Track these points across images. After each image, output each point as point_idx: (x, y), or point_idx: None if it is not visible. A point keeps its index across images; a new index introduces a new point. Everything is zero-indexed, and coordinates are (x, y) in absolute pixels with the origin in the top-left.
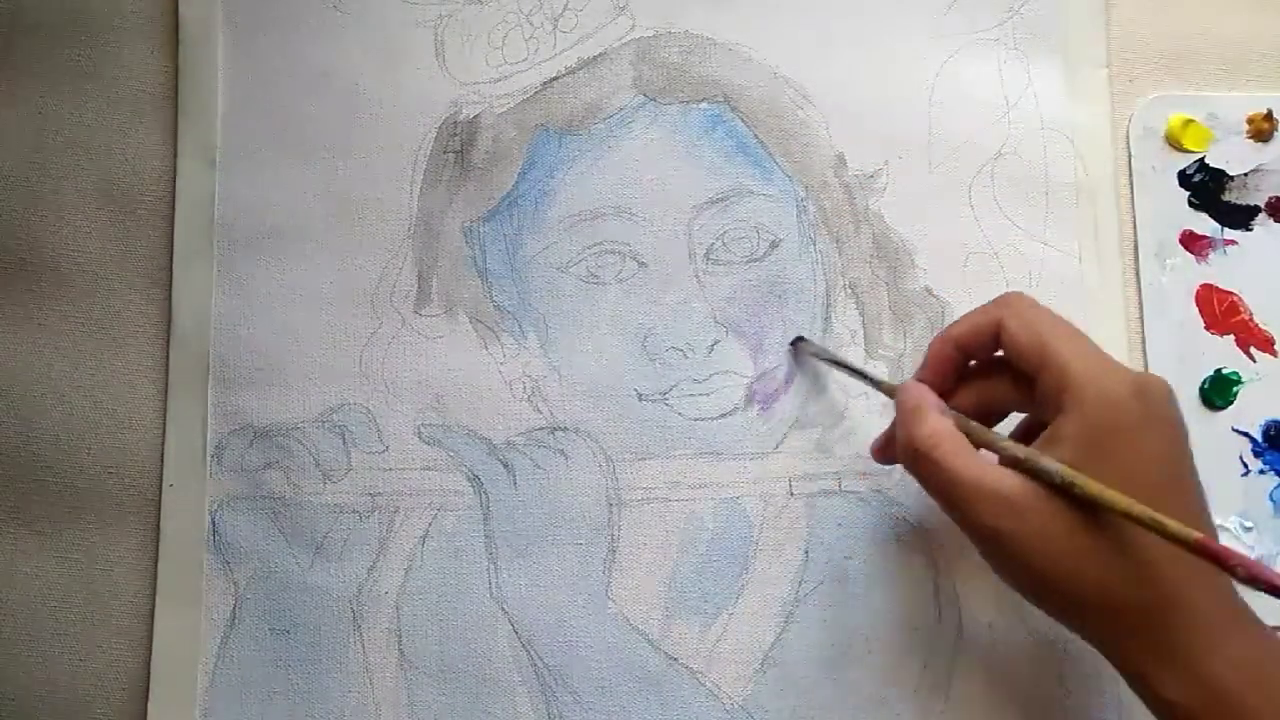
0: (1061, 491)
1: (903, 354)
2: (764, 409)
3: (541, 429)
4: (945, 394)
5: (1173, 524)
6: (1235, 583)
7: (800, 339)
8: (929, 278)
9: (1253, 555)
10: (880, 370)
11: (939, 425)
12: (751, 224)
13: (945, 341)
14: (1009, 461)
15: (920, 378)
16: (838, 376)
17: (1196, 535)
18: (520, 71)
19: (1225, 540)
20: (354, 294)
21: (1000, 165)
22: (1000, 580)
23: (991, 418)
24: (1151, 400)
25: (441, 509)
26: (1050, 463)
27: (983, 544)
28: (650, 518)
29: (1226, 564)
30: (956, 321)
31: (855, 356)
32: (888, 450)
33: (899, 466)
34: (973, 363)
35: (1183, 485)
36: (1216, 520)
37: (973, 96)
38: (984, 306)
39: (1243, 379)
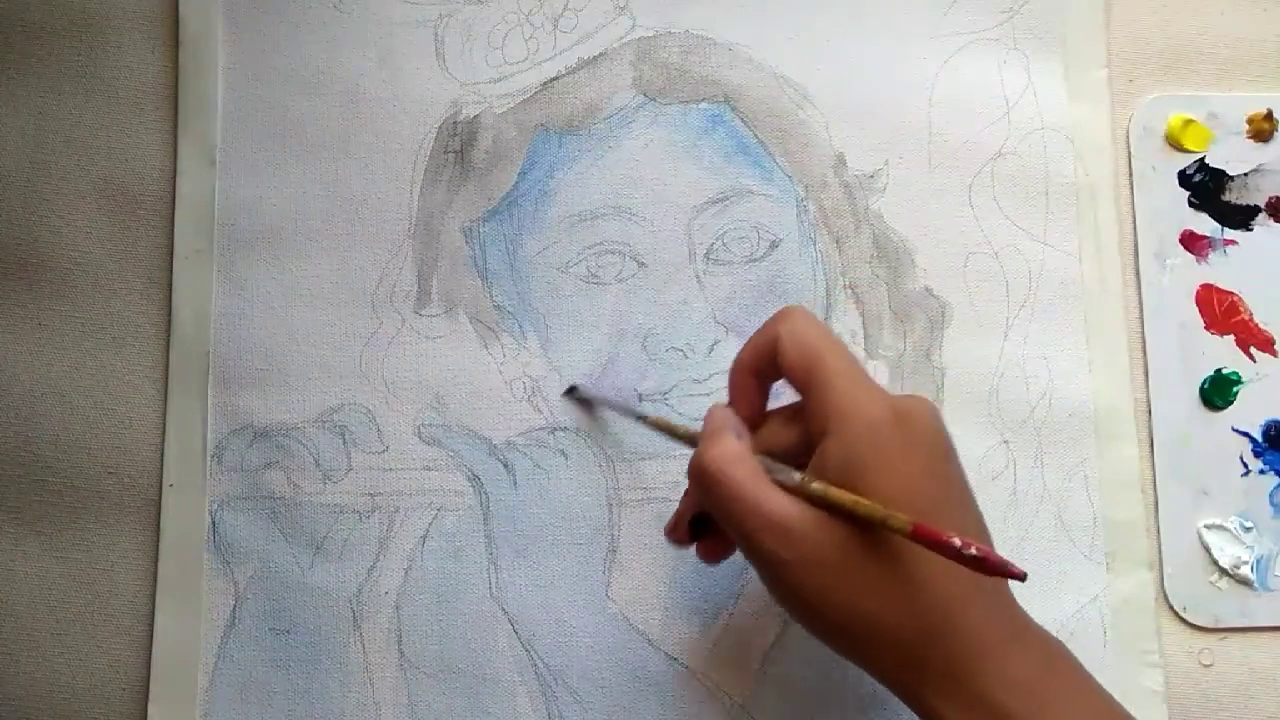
0: (839, 515)
1: (903, 354)
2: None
3: (541, 429)
4: (755, 424)
5: (897, 516)
6: (1013, 596)
7: (572, 388)
8: (929, 278)
9: (1252, 556)
10: (881, 371)
11: (730, 446)
12: (751, 224)
13: (737, 368)
14: (789, 488)
15: (730, 406)
16: None
17: (911, 522)
18: (520, 71)
19: (1226, 541)
20: (354, 294)
21: (1000, 165)
22: (810, 631)
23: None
24: (911, 424)
25: (441, 509)
26: (802, 477)
27: (761, 569)
28: (650, 518)
29: (949, 547)
30: (746, 342)
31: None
32: (677, 530)
33: None
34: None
35: (947, 503)
36: (1217, 520)
37: (973, 96)
38: (765, 323)
39: (1243, 379)
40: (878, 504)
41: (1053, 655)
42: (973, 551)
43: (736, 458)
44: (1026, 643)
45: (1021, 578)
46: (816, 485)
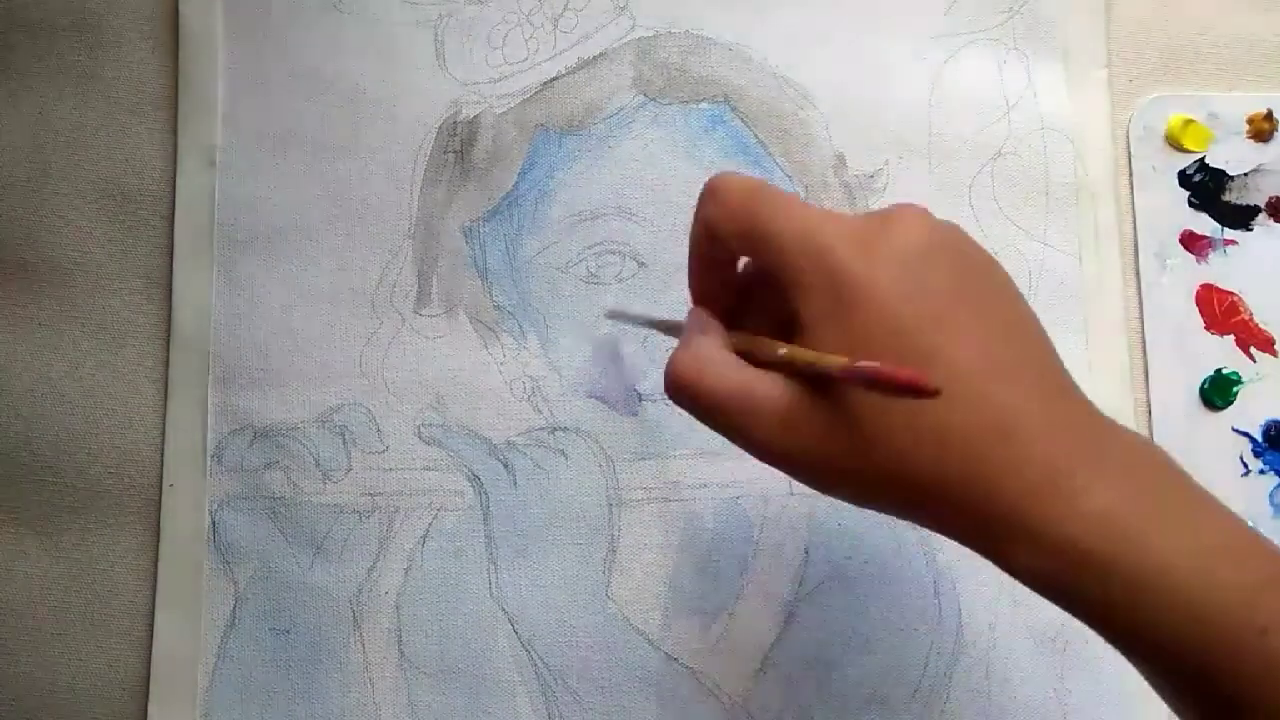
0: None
1: None
2: None
3: (541, 429)
4: (730, 311)
5: (823, 358)
6: (1085, 402)
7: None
8: None
9: None
10: None
11: (700, 346)
12: None
13: (691, 266)
14: (770, 364)
15: (695, 301)
16: None
17: (840, 362)
18: (520, 71)
19: None
20: (354, 294)
21: (1000, 165)
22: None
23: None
24: (879, 238)
25: (441, 509)
26: (780, 350)
27: (776, 465)
28: (650, 518)
29: (853, 376)
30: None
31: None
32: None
33: None
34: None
35: (939, 319)
36: None
37: (973, 96)
38: (696, 207)
39: (1243, 379)
40: (825, 354)
41: (1139, 467)
42: (864, 372)
43: (710, 357)
44: (1102, 461)
45: (930, 393)
46: (781, 350)
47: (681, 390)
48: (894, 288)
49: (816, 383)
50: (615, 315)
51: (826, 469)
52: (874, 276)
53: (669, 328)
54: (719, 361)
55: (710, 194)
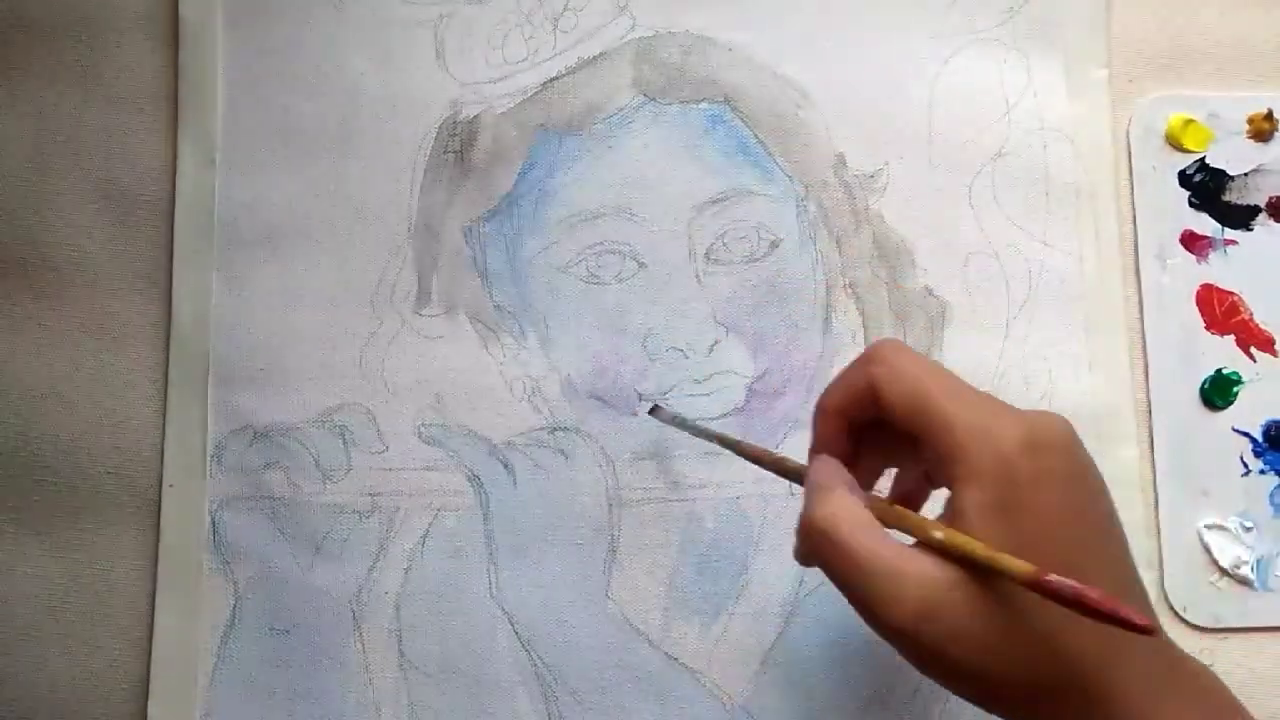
0: (979, 571)
1: None
2: (764, 409)
3: (541, 429)
4: (848, 466)
5: (1014, 564)
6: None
7: (656, 407)
8: (929, 278)
9: (1252, 556)
10: None
11: (843, 503)
12: (752, 224)
13: (825, 414)
14: (923, 543)
15: (815, 449)
16: None
17: (1034, 570)
18: (520, 71)
19: (1226, 541)
20: (354, 294)
21: (1000, 165)
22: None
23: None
24: (1045, 450)
25: (441, 509)
26: (927, 526)
27: (901, 647)
28: (650, 518)
29: (1065, 596)
30: (831, 385)
31: (856, 357)
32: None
33: None
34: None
35: (1092, 542)
36: (1217, 520)
37: (973, 96)
38: (854, 364)
39: (1243, 379)
40: (1001, 552)
41: (1216, 697)
42: (1097, 603)
43: (850, 513)
44: (1182, 694)
45: (1145, 630)
46: (937, 534)
47: (822, 544)
48: (1056, 502)
49: (968, 570)
50: (676, 422)
51: (967, 661)
52: (1040, 487)
53: (777, 469)
54: (866, 525)
55: (881, 358)
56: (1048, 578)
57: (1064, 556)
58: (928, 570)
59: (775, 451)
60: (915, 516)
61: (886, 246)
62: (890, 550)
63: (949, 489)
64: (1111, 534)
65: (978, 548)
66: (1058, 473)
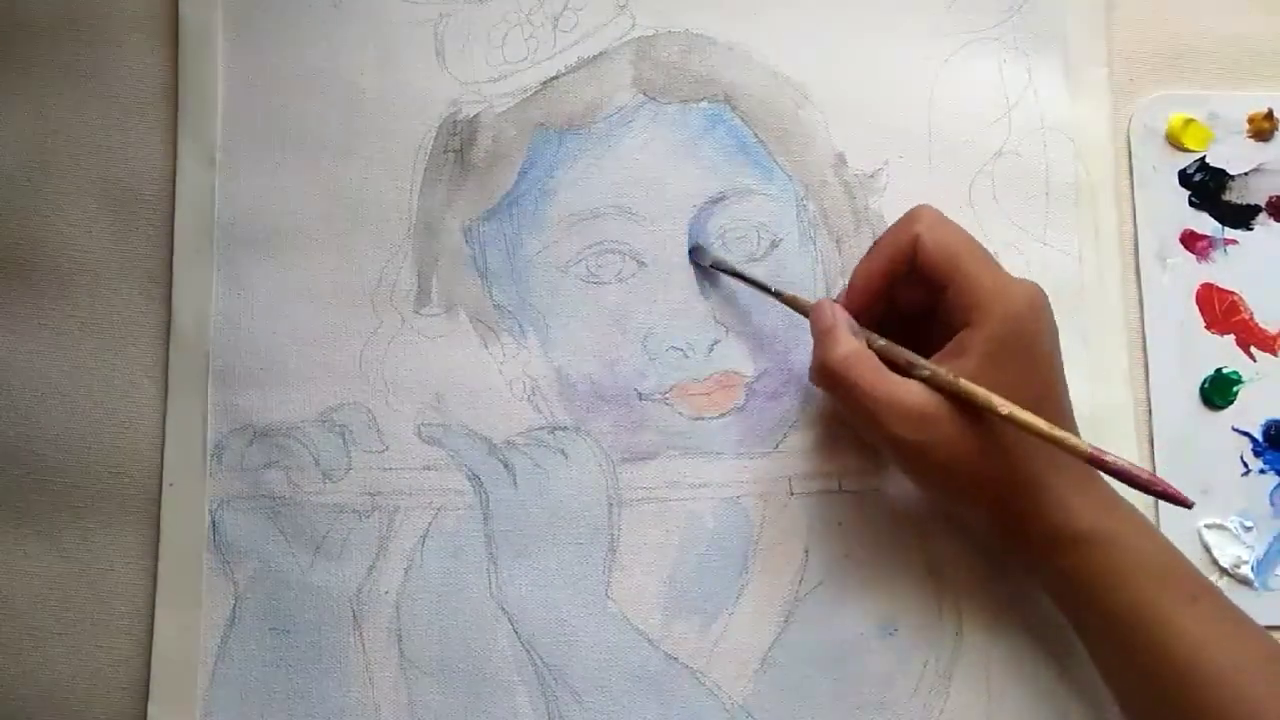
0: (961, 401)
1: None
2: (764, 409)
3: (541, 428)
4: (875, 316)
5: (1077, 442)
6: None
7: (696, 247)
8: None
9: (1252, 556)
10: None
11: (851, 346)
12: (751, 223)
13: (870, 275)
14: (917, 376)
15: (842, 302)
16: None
17: (1091, 448)
18: (520, 71)
19: (1226, 541)
20: (354, 293)
21: (1000, 165)
22: (920, 488)
23: (897, 322)
24: (1041, 312)
25: (441, 509)
26: (937, 369)
27: (897, 452)
28: (650, 518)
29: (1127, 475)
30: (875, 249)
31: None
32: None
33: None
34: None
35: (1060, 385)
36: (1217, 520)
37: (973, 96)
38: (896, 226)
39: (1243, 378)
40: (1046, 422)
41: (1116, 502)
42: (1157, 487)
43: (859, 356)
44: (1093, 499)
45: (1188, 505)
46: (964, 383)
47: (838, 381)
48: (1042, 352)
49: (952, 398)
50: (718, 265)
51: (945, 459)
52: (1033, 339)
53: (783, 298)
54: (870, 363)
55: (923, 218)
56: (1105, 455)
57: (1039, 394)
58: (921, 395)
59: (790, 293)
60: (908, 353)
61: None
62: (891, 381)
63: (961, 330)
64: (1063, 381)
65: (1036, 423)
66: (1045, 330)
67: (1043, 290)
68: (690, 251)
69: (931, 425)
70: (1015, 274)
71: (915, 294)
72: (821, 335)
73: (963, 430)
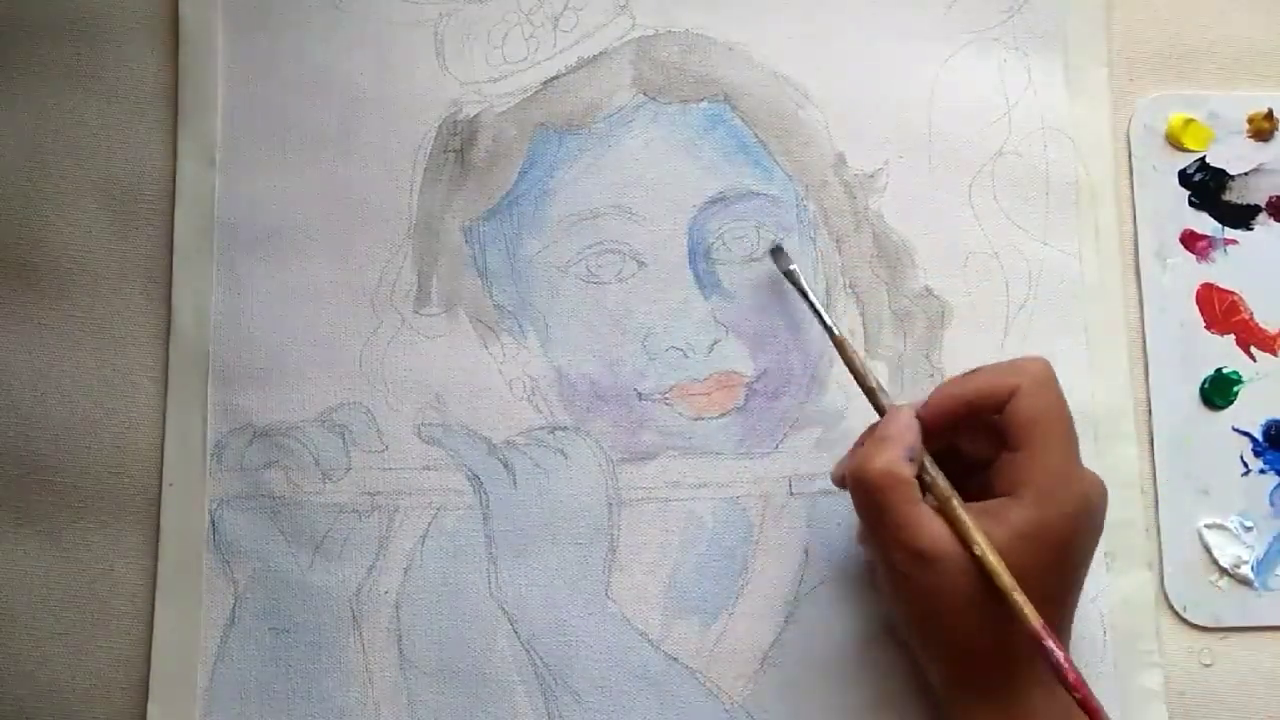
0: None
1: (902, 354)
2: (764, 409)
3: (541, 428)
4: (938, 431)
5: (1030, 619)
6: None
7: (779, 250)
8: (929, 278)
9: (1252, 556)
10: (880, 370)
11: (896, 467)
12: (752, 223)
13: (957, 399)
14: (945, 517)
15: (922, 415)
16: (838, 376)
17: (1042, 626)
18: (520, 70)
19: (1226, 540)
20: (354, 293)
21: (1000, 165)
22: (897, 616)
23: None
24: (1091, 518)
25: (441, 509)
26: (976, 537)
27: (888, 578)
28: (650, 518)
29: (1058, 670)
30: (975, 374)
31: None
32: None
33: None
34: None
35: (1077, 587)
36: (1217, 520)
37: (973, 96)
38: (1003, 369)
39: (1243, 378)
40: (1019, 592)
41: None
42: (1078, 692)
43: (898, 480)
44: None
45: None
46: (982, 550)
47: (864, 490)
48: (1076, 562)
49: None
50: (791, 277)
51: (936, 608)
52: (1068, 544)
53: (863, 385)
54: (902, 488)
55: (1031, 374)
56: (1046, 639)
57: (1053, 590)
58: (953, 554)
59: (872, 378)
60: (965, 519)
61: (886, 246)
62: (925, 523)
63: (1010, 495)
64: (1082, 580)
65: (1005, 579)
66: (1086, 537)
67: (1103, 490)
68: (772, 252)
69: (939, 572)
70: (1015, 273)
71: (981, 442)
72: (877, 440)
73: (966, 589)
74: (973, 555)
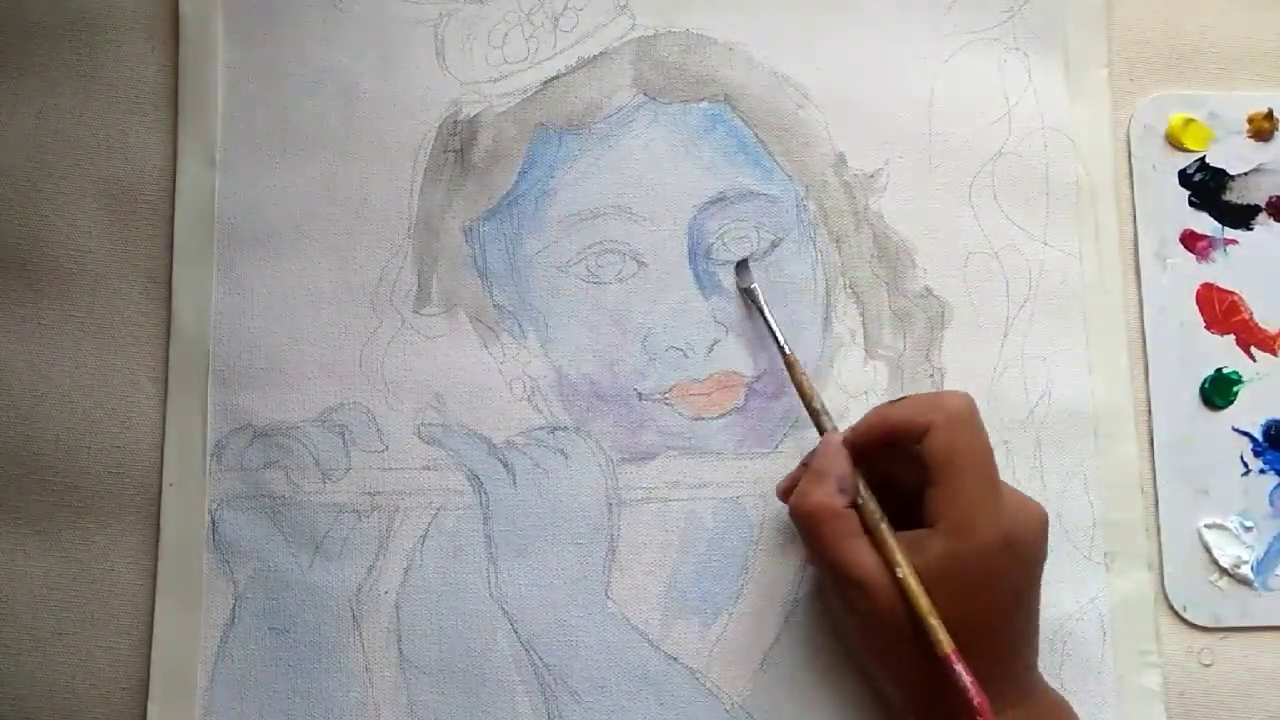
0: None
1: (902, 354)
2: (763, 409)
3: (541, 428)
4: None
5: (941, 640)
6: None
7: (743, 263)
8: (929, 278)
9: (1252, 556)
10: (880, 370)
11: (826, 501)
12: (751, 223)
13: (879, 427)
14: (872, 539)
15: (849, 439)
16: (838, 376)
17: (951, 649)
18: (520, 70)
19: (1226, 540)
20: (354, 293)
21: (1000, 165)
22: (846, 644)
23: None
24: (1015, 549)
25: (441, 509)
26: (909, 577)
27: (833, 604)
28: (650, 518)
29: (961, 690)
30: (898, 403)
31: (855, 357)
32: (790, 492)
33: None
34: None
35: (1019, 622)
36: (1217, 520)
37: (973, 96)
38: (923, 402)
39: (1243, 378)
40: (934, 617)
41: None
42: (972, 700)
43: (832, 514)
44: (1030, 706)
45: None
46: (903, 573)
47: (800, 524)
48: (1007, 597)
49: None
50: (751, 296)
51: (877, 634)
52: (1003, 582)
53: (808, 405)
54: (834, 521)
55: (946, 411)
56: (955, 663)
57: (986, 622)
58: (874, 569)
59: (818, 400)
60: (890, 544)
61: (886, 246)
62: (850, 548)
63: (929, 523)
64: (1027, 618)
65: (922, 603)
66: (1010, 567)
67: (1035, 521)
68: (736, 265)
69: (872, 600)
70: (1015, 273)
71: (913, 471)
72: (810, 474)
73: (899, 614)
74: (895, 578)
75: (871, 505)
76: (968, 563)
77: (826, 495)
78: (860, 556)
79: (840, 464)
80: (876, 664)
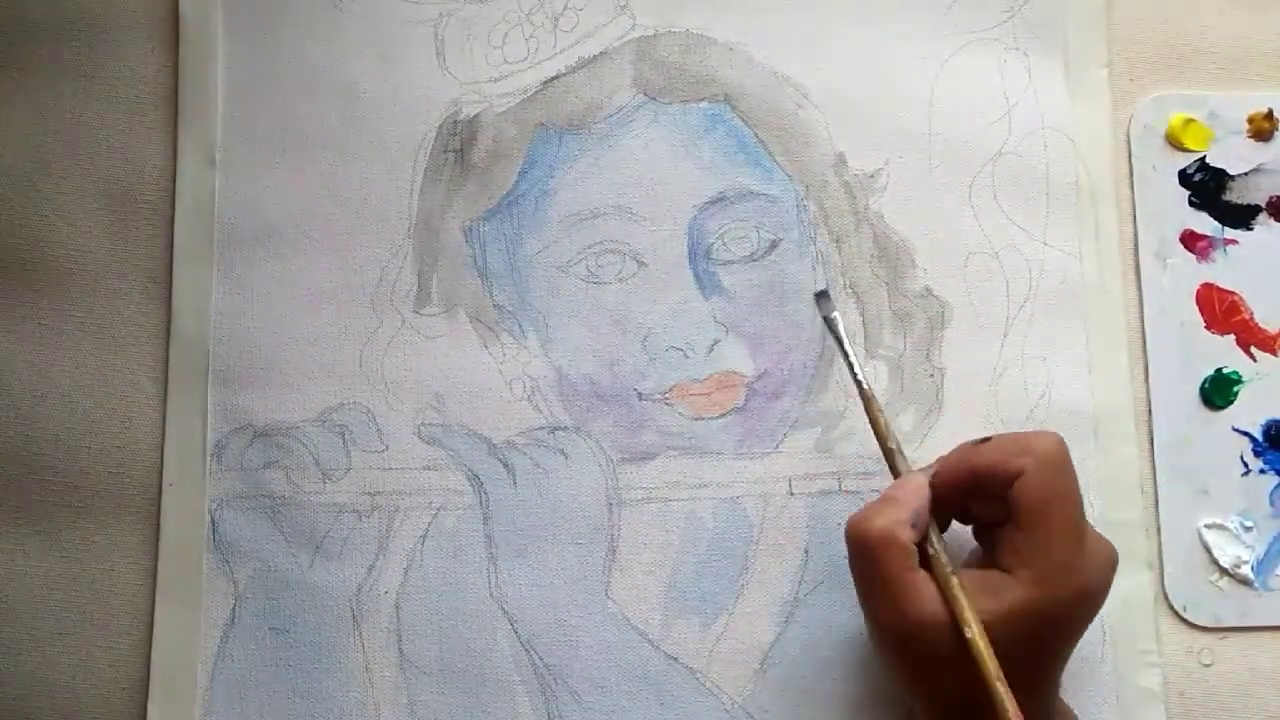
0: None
1: (902, 354)
2: (763, 409)
3: (541, 428)
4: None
5: (1008, 703)
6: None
7: (824, 294)
8: (929, 278)
9: (1252, 556)
10: (880, 371)
11: (897, 530)
12: (751, 223)
13: (966, 471)
14: (942, 594)
15: (933, 482)
16: (838, 377)
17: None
18: (520, 70)
19: (1226, 540)
20: (354, 293)
21: (1000, 165)
22: (885, 668)
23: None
24: (1090, 602)
25: (441, 509)
26: (975, 632)
27: (874, 634)
28: (650, 518)
29: None
30: (984, 444)
31: (856, 357)
32: None
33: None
34: None
35: (1061, 665)
36: (1217, 520)
37: (973, 96)
38: (1012, 445)
39: (1243, 378)
40: (1004, 681)
41: None
42: None
43: (895, 542)
44: None
45: None
46: (973, 635)
47: (861, 547)
48: (1061, 647)
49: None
50: (833, 328)
51: (924, 669)
52: (1063, 630)
53: (882, 445)
54: (899, 554)
55: (1032, 450)
56: None
57: (1040, 670)
58: (940, 625)
59: (894, 439)
60: (962, 603)
61: (886, 246)
62: (917, 591)
63: (1007, 567)
64: (1067, 658)
65: (990, 668)
66: (1081, 621)
67: (1107, 575)
68: (816, 295)
69: (930, 644)
70: (1015, 273)
71: (990, 505)
72: (882, 500)
73: (952, 661)
74: (961, 635)
75: (944, 558)
76: (1043, 614)
77: (894, 523)
78: (921, 592)
79: (917, 500)
80: (917, 695)
